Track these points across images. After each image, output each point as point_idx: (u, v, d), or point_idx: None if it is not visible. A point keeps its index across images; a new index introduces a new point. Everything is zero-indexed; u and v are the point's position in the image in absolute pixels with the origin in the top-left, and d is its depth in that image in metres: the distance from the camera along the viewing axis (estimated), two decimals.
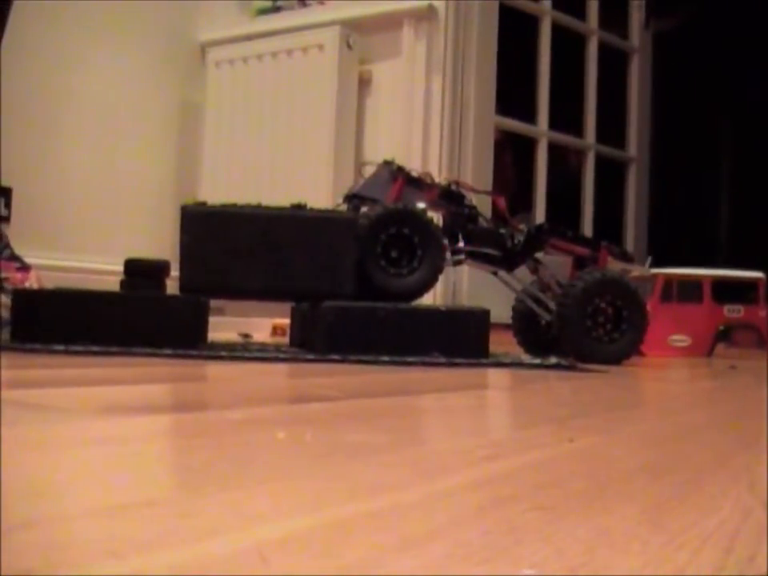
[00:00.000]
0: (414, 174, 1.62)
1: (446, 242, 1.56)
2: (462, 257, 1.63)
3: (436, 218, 1.59)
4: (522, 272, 1.71)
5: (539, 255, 1.71)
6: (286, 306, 1.69)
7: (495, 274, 1.70)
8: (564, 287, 1.60)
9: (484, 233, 1.64)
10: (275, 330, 2.32)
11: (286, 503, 0.36)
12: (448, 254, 1.60)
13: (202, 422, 0.61)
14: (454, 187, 1.65)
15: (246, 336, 2.01)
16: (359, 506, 0.36)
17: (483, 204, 1.89)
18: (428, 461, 0.49)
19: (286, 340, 1.84)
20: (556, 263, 1.73)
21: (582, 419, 0.78)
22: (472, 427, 0.66)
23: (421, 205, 1.54)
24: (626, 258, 1.72)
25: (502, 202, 1.71)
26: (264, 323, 2.34)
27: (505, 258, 1.64)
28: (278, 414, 0.69)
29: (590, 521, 0.35)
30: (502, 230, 1.65)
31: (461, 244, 1.62)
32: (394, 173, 1.60)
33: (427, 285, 1.50)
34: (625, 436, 0.65)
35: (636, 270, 1.77)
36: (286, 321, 1.94)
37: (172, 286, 1.45)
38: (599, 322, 1.56)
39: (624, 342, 1.57)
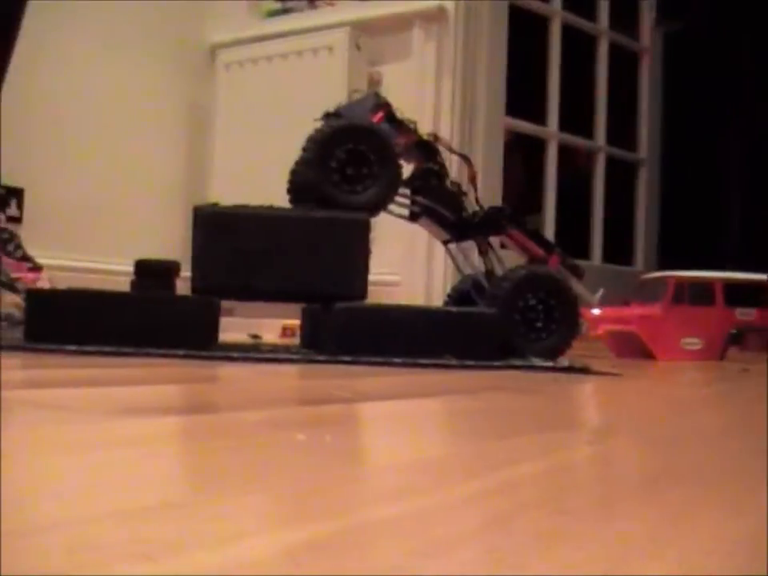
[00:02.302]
0: (398, 114, 1.61)
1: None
2: (417, 210, 1.62)
3: (406, 166, 1.59)
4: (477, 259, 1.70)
5: (494, 240, 1.70)
6: (296, 307, 1.68)
7: (446, 244, 1.69)
8: (495, 281, 1.58)
9: (445, 193, 1.63)
10: (285, 331, 2.32)
11: (311, 506, 0.36)
12: (406, 201, 1.60)
13: (220, 424, 0.61)
14: (431, 139, 1.64)
15: (256, 337, 2.00)
16: (385, 510, 0.36)
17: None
18: (449, 464, 0.49)
19: (296, 341, 1.84)
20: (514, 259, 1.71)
21: (599, 422, 0.78)
22: (489, 430, 0.66)
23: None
24: (576, 272, 1.70)
25: (473, 172, 1.71)
26: (273, 324, 2.34)
27: (456, 225, 1.63)
28: (295, 415, 0.69)
29: (618, 525, 0.35)
30: (464, 200, 1.64)
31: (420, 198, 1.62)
32: (379, 104, 1.59)
33: (381, 202, 1.49)
34: (643, 439, 0.64)
35: (584, 294, 1.74)
36: (296, 322, 1.93)
37: (182, 287, 1.45)
38: (530, 318, 1.54)
39: (553, 340, 1.55)
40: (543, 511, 0.37)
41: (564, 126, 3.19)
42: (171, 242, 2.72)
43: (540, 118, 3.15)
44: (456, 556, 0.29)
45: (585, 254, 3.32)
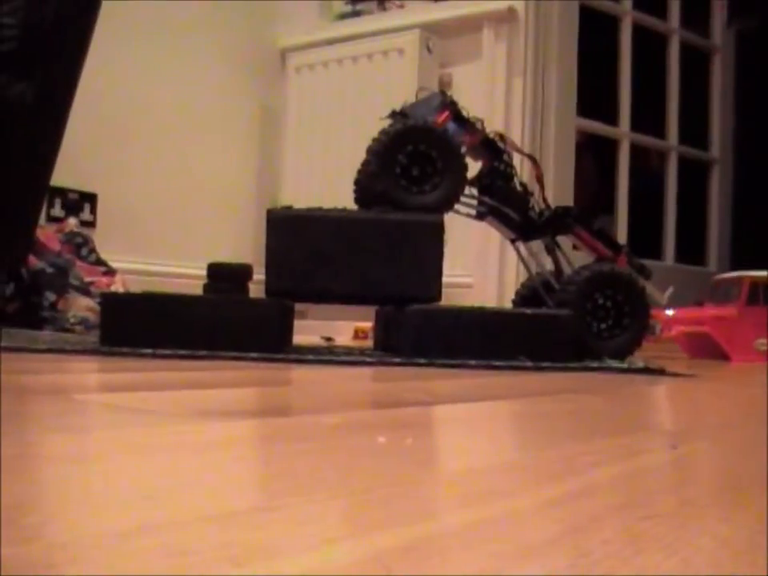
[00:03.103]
0: (465, 113, 1.60)
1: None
2: (484, 209, 1.62)
3: (474, 165, 1.59)
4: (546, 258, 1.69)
5: (566, 241, 1.69)
6: (368, 310, 1.69)
7: (513, 242, 1.68)
8: (562, 283, 1.57)
9: (511, 193, 1.62)
10: (357, 334, 2.33)
11: (399, 510, 0.35)
12: (473, 200, 1.60)
13: (301, 427, 0.61)
14: (497, 140, 1.63)
15: (329, 339, 2.01)
16: (473, 513, 0.35)
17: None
18: (533, 467, 0.48)
19: (368, 343, 1.84)
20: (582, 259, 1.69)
21: (680, 425, 0.77)
22: (571, 432, 0.66)
23: (462, 148, 1.53)
24: (643, 272, 1.68)
25: (538, 170, 1.70)
26: (346, 326, 2.34)
27: (523, 225, 1.63)
28: (375, 418, 0.69)
29: (710, 529, 0.34)
30: (531, 199, 1.63)
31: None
32: (445, 103, 1.58)
33: (449, 200, 1.49)
34: (728, 442, 0.64)
35: (653, 294, 1.70)
36: (368, 324, 1.94)
37: (254, 290, 1.46)
38: (600, 317, 1.53)
39: (625, 338, 1.54)
40: (632, 515, 0.36)
41: (636, 125, 3.17)
42: (243, 244, 2.73)
43: (612, 118, 3.12)
44: (547, 560, 0.29)
45: (657, 254, 3.30)
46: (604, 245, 1.66)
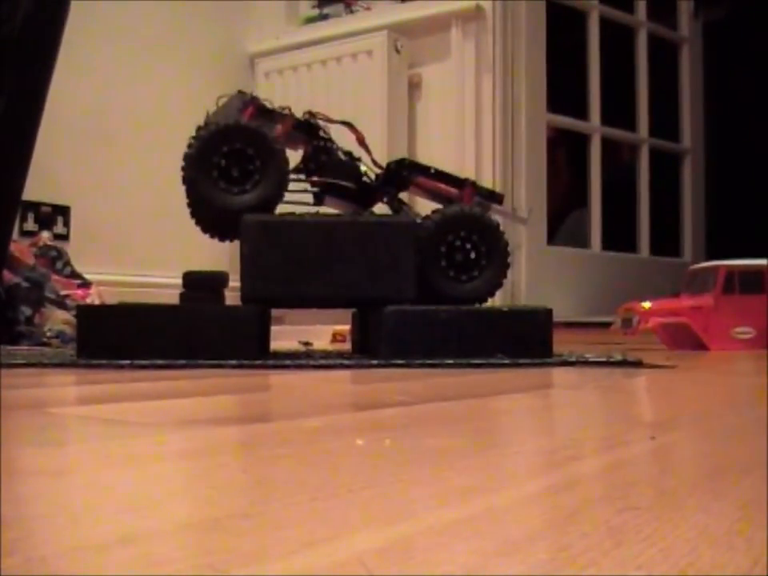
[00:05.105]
0: (268, 105, 1.58)
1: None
2: (318, 190, 1.59)
3: (294, 153, 1.57)
4: None
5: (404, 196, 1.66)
6: (346, 313, 1.69)
7: (359, 215, 1.64)
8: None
9: (338, 164, 1.58)
10: (335, 337, 2.32)
11: (379, 511, 0.36)
12: (306, 186, 1.58)
13: (280, 432, 0.61)
14: (308, 118, 1.61)
15: (307, 344, 2.01)
16: (453, 512, 0.35)
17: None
18: (513, 463, 0.49)
19: (346, 346, 1.84)
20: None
21: (659, 415, 0.77)
22: (549, 427, 0.66)
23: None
24: (493, 198, 1.64)
25: (358, 134, 1.66)
26: (324, 330, 2.34)
27: (361, 193, 1.60)
28: (354, 421, 0.69)
29: (688, 519, 0.35)
30: (360, 165, 1.60)
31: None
32: (246, 102, 1.56)
33: (274, 193, 1.46)
34: (706, 432, 0.64)
35: (505, 212, 1.65)
36: (346, 327, 1.94)
37: (230, 297, 1.45)
38: (456, 261, 1.51)
39: (483, 279, 1.51)
40: (612, 507, 0.37)
41: (606, 119, 3.18)
42: (218, 252, 2.73)
43: (582, 112, 3.13)
44: (527, 555, 0.29)
45: (632, 247, 3.31)
46: (446, 184, 1.62)
